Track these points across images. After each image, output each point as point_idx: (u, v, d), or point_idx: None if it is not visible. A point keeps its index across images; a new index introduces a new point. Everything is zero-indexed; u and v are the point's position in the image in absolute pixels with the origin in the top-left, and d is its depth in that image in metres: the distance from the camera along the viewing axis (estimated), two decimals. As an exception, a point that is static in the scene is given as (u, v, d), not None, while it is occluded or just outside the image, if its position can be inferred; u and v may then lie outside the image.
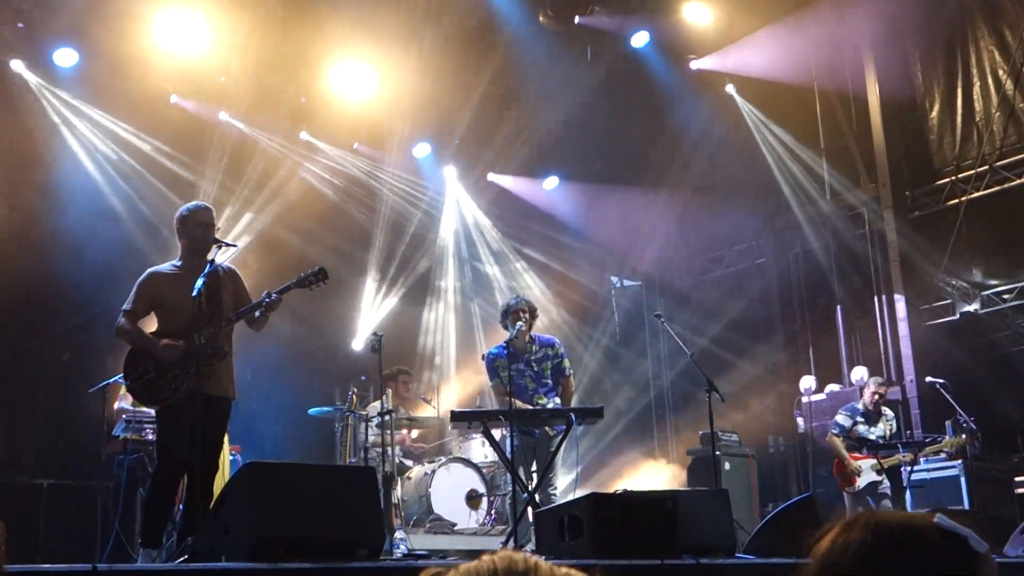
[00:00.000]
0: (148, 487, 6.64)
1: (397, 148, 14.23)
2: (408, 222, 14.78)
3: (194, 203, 7.08)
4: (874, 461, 10.69)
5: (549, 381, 8.85)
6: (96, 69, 11.73)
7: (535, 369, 8.82)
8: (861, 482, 10.72)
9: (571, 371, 9.04)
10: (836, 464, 11.06)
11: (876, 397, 11.04)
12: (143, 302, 6.78)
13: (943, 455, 11.09)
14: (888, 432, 10.98)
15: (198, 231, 6.82)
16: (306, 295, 7.06)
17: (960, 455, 10.84)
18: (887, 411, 11.17)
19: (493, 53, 13.05)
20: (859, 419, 11.01)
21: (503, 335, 9.07)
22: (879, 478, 10.66)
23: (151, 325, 6.95)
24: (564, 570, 1.29)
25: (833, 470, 11.20)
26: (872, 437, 10.91)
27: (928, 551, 1.59)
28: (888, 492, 10.72)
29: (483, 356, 9.38)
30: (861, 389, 11.54)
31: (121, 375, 6.94)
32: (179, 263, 6.91)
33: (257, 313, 6.77)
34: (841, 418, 11.10)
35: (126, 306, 6.77)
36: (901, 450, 10.71)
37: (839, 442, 10.95)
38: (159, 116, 12.19)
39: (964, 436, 10.77)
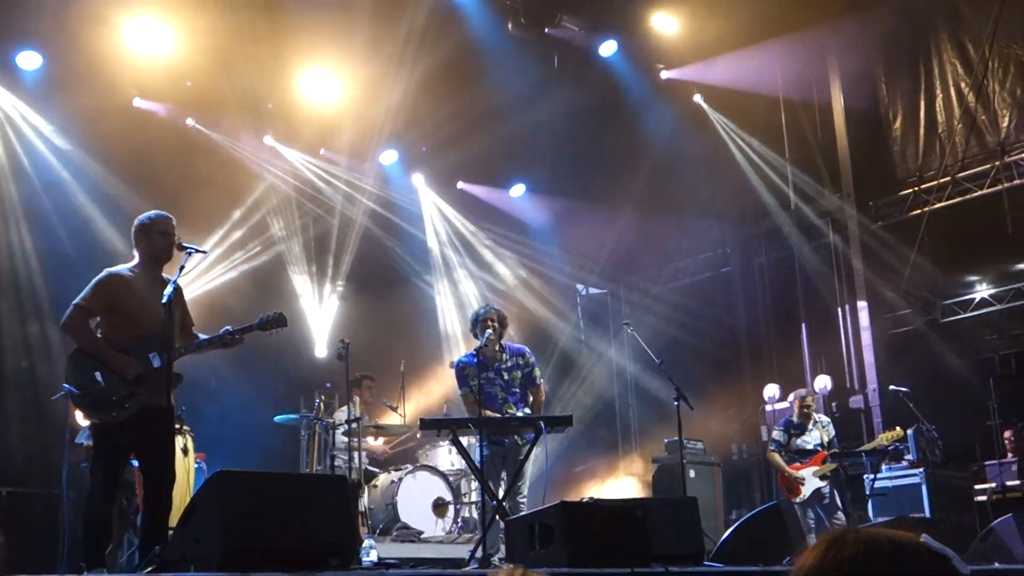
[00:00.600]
0: (84, 510, 6.20)
1: (364, 155, 14.22)
2: (375, 227, 14.76)
3: (155, 212, 6.73)
4: (816, 468, 10.76)
5: (518, 390, 8.80)
6: (60, 72, 11.61)
7: (505, 378, 8.77)
8: (805, 491, 10.79)
9: (541, 380, 9.01)
10: (780, 477, 11.14)
11: (804, 409, 11.10)
12: (99, 301, 6.40)
13: (904, 463, 11.22)
14: (825, 438, 11.01)
15: (160, 240, 6.60)
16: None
17: (922, 463, 10.95)
18: (821, 418, 11.20)
19: (462, 62, 13.02)
20: (793, 431, 11.10)
21: (471, 343, 9.05)
22: (822, 484, 10.74)
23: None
24: None
25: (779, 482, 11.30)
26: (810, 447, 10.99)
27: (918, 569, 1.61)
28: (828, 497, 10.77)
29: (451, 364, 9.34)
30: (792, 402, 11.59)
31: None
32: (136, 269, 6.61)
33: (213, 344, 6.62)
34: (777, 434, 11.21)
35: (79, 301, 6.39)
36: (866, 458, 10.85)
37: (777, 457, 11.01)
38: (122, 119, 12.06)
39: (900, 430, 10.82)
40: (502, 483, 8.44)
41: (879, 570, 1.60)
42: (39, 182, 11.71)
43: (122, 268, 6.62)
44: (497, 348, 8.76)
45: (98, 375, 6.22)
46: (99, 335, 6.43)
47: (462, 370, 8.69)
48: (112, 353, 6.28)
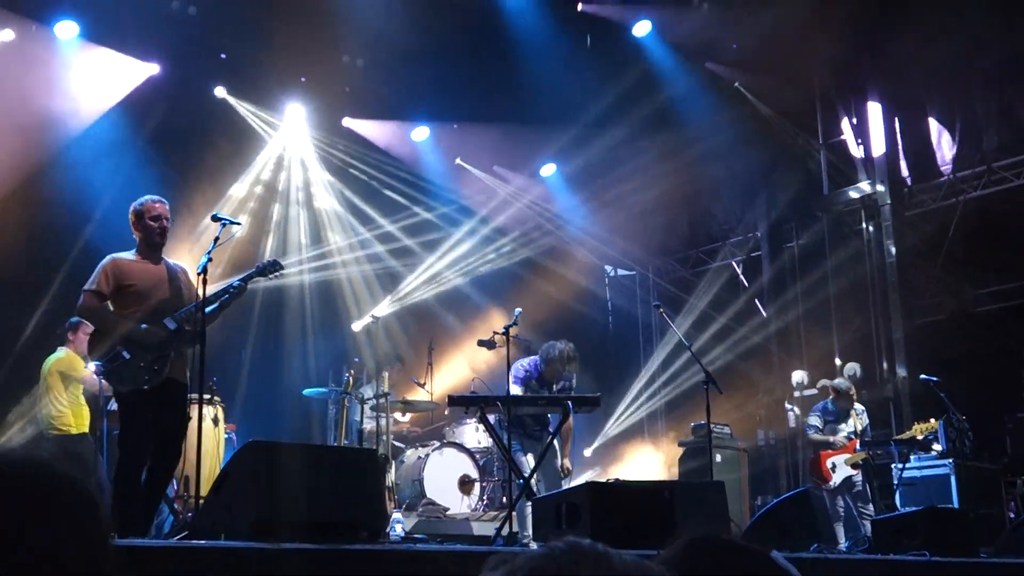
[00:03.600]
0: (114, 479, 6.48)
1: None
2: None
3: (147, 197, 6.86)
4: (847, 456, 10.79)
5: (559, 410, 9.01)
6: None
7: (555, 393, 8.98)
8: (836, 478, 10.81)
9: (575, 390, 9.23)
10: (811, 462, 11.18)
11: (844, 400, 11.12)
12: (108, 283, 6.63)
13: (933, 453, 11.16)
14: (859, 427, 11.03)
15: (152, 225, 6.75)
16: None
17: (952, 453, 10.88)
18: (857, 406, 11.24)
19: (493, 39, 12.98)
20: (828, 418, 11.13)
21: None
22: (853, 473, 10.77)
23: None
24: (630, 557, 1.28)
25: (808, 469, 11.31)
26: (842, 435, 11.02)
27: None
28: (861, 487, 10.81)
29: (479, 342, 9.42)
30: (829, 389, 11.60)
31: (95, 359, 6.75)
32: (135, 253, 6.82)
33: (226, 298, 6.81)
34: (813, 419, 11.28)
35: (89, 286, 6.63)
36: (895, 447, 10.82)
37: (819, 437, 11.08)
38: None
39: (934, 421, 10.83)
40: (528, 469, 8.51)
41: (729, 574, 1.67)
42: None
43: (122, 253, 6.82)
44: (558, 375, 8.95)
45: (122, 351, 6.44)
46: (115, 310, 6.68)
47: (524, 378, 8.84)
48: (133, 326, 6.50)
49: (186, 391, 6.77)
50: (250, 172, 13.54)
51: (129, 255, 6.79)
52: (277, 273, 7.15)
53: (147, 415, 6.46)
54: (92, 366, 6.75)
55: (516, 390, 8.66)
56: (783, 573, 1.73)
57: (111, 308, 6.68)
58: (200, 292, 6.61)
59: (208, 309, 6.62)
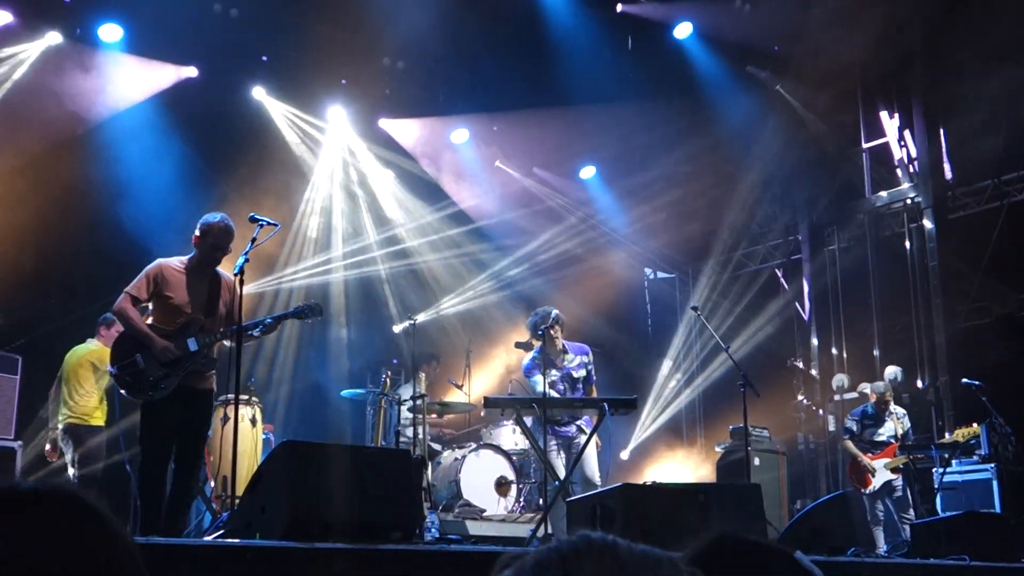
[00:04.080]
0: (137, 479, 6.79)
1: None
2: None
3: (218, 219, 6.98)
4: (887, 460, 10.77)
5: (582, 387, 8.95)
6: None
7: (573, 376, 8.92)
8: (876, 482, 10.81)
9: (595, 379, 9.14)
10: (851, 466, 11.21)
11: (882, 404, 11.12)
12: (148, 289, 6.82)
13: (975, 457, 11.04)
14: (900, 431, 11.01)
15: (208, 249, 6.91)
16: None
17: (994, 458, 10.76)
18: (897, 409, 11.25)
19: (532, 42, 12.99)
20: (866, 422, 11.12)
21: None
22: (893, 476, 10.75)
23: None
24: (640, 548, 1.28)
25: (848, 472, 11.27)
26: (882, 438, 11.00)
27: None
28: (901, 492, 10.77)
29: (516, 344, 9.44)
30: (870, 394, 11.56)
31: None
32: (186, 262, 6.98)
33: (256, 332, 7.00)
34: (849, 423, 11.34)
35: (129, 289, 6.82)
36: (935, 451, 10.74)
37: (851, 445, 11.14)
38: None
39: (977, 426, 10.75)
40: (562, 471, 8.51)
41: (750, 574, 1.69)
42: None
43: (174, 260, 7.00)
44: (560, 348, 8.86)
45: (139, 357, 6.66)
46: (150, 320, 6.86)
47: (532, 371, 8.84)
48: (154, 338, 6.69)
49: (208, 397, 6.99)
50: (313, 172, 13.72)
51: (178, 263, 6.96)
52: (317, 318, 7.25)
53: (167, 417, 6.65)
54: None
55: (537, 378, 8.68)
56: (806, 573, 1.73)
57: (153, 311, 6.88)
58: (239, 293, 6.78)
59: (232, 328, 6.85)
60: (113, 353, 6.84)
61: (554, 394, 8.61)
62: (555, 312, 8.99)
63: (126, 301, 6.77)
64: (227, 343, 6.93)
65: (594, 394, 9.01)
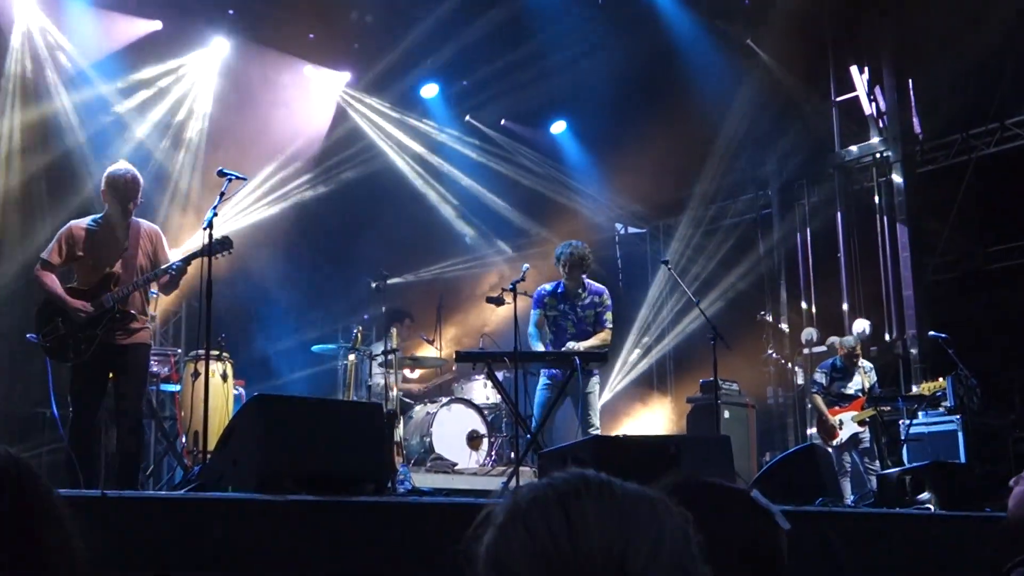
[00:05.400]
0: (66, 435, 6.71)
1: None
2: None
3: (124, 170, 6.94)
4: (854, 413, 10.94)
5: (590, 329, 8.92)
6: None
7: (579, 314, 8.90)
8: (843, 435, 10.98)
9: (611, 325, 9.06)
10: (818, 420, 11.34)
11: (851, 358, 11.23)
12: (60, 253, 6.78)
13: (941, 409, 11.18)
14: (867, 384, 11.15)
15: (121, 203, 6.86)
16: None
17: (959, 410, 10.90)
18: (864, 363, 11.37)
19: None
20: (835, 375, 11.25)
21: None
22: (860, 429, 10.92)
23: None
24: (633, 487, 1.30)
25: (816, 426, 11.42)
26: (850, 392, 11.14)
27: (744, 515, 1.83)
28: (868, 444, 10.92)
29: (487, 299, 9.43)
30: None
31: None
32: (100, 219, 6.93)
33: (172, 271, 6.87)
34: (819, 376, 11.44)
35: (43, 254, 6.82)
36: (901, 403, 10.88)
37: (819, 399, 11.31)
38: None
39: (943, 380, 10.90)
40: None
41: (711, 513, 1.68)
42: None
43: (85, 219, 6.97)
44: (578, 284, 8.88)
45: (59, 322, 6.63)
46: (75, 282, 6.84)
47: (542, 298, 8.82)
48: (66, 299, 6.67)
49: (137, 351, 6.83)
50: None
51: (88, 222, 6.91)
52: (227, 252, 6.96)
53: (94, 374, 6.66)
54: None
55: (536, 311, 8.73)
56: (763, 510, 1.77)
57: (75, 272, 6.85)
58: (206, 244, 6.70)
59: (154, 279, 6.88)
60: (36, 321, 6.77)
61: (537, 345, 8.66)
62: (576, 245, 8.95)
63: (40, 266, 6.77)
64: (161, 294, 7.13)
65: (607, 336, 8.99)
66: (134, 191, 6.88)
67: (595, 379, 8.82)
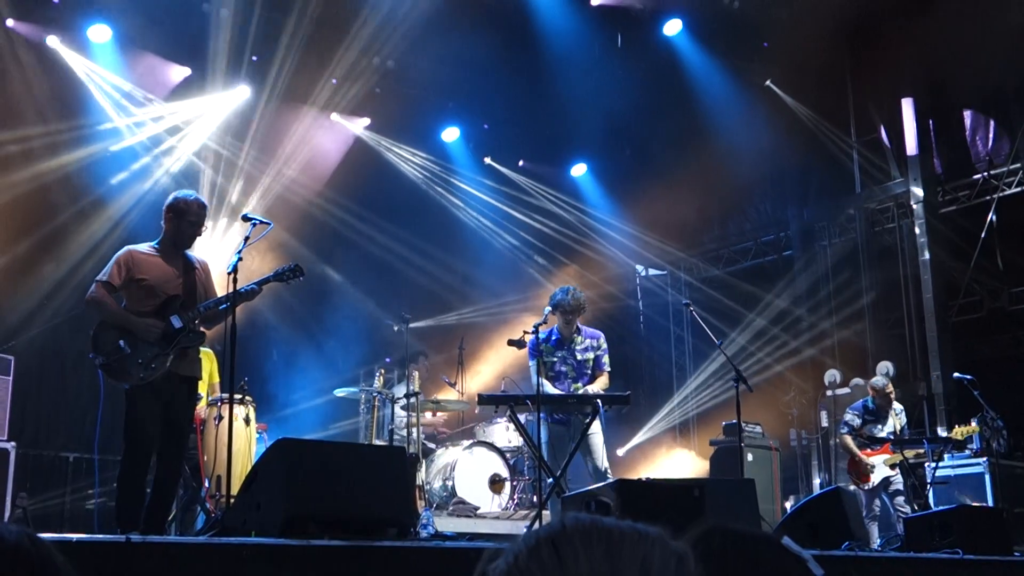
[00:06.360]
0: (120, 470, 6.42)
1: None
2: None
3: (190, 195, 6.86)
4: (887, 456, 10.80)
5: (589, 373, 8.89)
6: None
7: (578, 359, 8.86)
8: (875, 478, 10.82)
9: (608, 368, 9.03)
10: (849, 461, 11.18)
11: (884, 398, 11.10)
12: (120, 275, 6.58)
13: (967, 452, 11.08)
14: (898, 426, 11.03)
15: (186, 228, 6.74)
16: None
17: (986, 452, 10.80)
18: (897, 406, 11.23)
19: (525, 41, 12.99)
20: (867, 417, 11.10)
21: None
22: (892, 473, 10.77)
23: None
24: (628, 524, 1.32)
25: (848, 468, 11.28)
26: (882, 435, 10.99)
27: (777, 564, 1.77)
28: (900, 488, 10.79)
29: (508, 342, 9.39)
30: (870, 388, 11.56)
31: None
32: (156, 246, 6.79)
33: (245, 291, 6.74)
34: (849, 417, 11.24)
35: (101, 277, 6.60)
36: (928, 445, 10.77)
37: (850, 440, 11.09)
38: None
39: (976, 425, 10.78)
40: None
41: (741, 564, 1.71)
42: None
43: (141, 245, 6.82)
44: (572, 329, 8.84)
45: (122, 343, 6.41)
46: (125, 304, 6.64)
47: (535, 346, 8.76)
48: (134, 318, 6.48)
49: (194, 385, 6.76)
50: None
51: (147, 247, 6.78)
52: (298, 279, 6.95)
53: (154, 403, 6.43)
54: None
55: (533, 361, 8.65)
56: (794, 558, 1.76)
57: (124, 301, 6.64)
58: (231, 290, 6.58)
59: (222, 307, 6.65)
60: (94, 343, 6.52)
61: (550, 388, 8.56)
62: (574, 291, 8.94)
63: (100, 289, 6.56)
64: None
65: (606, 381, 8.95)
66: (203, 216, 6.80)
67: (599, 422, 8.77)
